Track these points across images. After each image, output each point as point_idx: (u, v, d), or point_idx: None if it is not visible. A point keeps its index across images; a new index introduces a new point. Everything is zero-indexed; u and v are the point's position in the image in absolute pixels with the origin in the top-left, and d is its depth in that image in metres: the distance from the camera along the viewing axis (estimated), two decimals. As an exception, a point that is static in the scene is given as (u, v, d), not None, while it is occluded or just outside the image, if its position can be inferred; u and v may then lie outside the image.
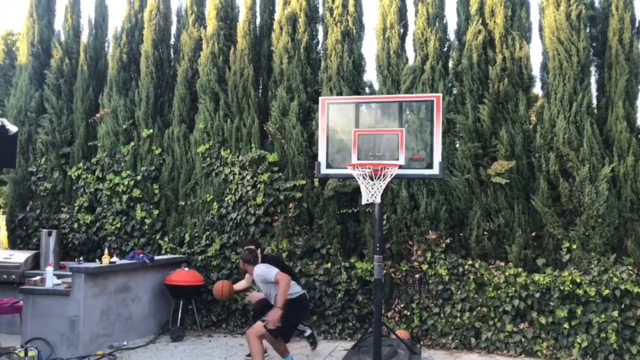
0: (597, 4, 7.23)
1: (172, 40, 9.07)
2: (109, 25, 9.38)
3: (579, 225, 6.50)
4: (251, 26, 8.28)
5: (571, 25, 6.88)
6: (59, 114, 9.03)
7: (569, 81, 6.78)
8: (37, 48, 9.46)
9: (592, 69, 7.10)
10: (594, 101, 7.00)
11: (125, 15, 9.09)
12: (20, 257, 7.73)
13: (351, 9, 7.84)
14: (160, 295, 7.56)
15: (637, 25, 6.99)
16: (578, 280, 6.36)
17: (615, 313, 6.24)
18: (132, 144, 8.49)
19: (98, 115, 8.78)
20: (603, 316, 6.29)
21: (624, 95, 6.69)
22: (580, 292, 6.35)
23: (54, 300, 6.35)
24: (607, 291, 6.27)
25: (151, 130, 8.42)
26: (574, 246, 6.50)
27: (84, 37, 9.29)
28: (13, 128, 6.47)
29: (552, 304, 6.48)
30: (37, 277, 6.61)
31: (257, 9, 8.47)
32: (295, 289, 5.85)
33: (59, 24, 9.62)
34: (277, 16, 8.24)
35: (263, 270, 5.73)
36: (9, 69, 13.94)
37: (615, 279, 6.27)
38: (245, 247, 6.45)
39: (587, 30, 7.07)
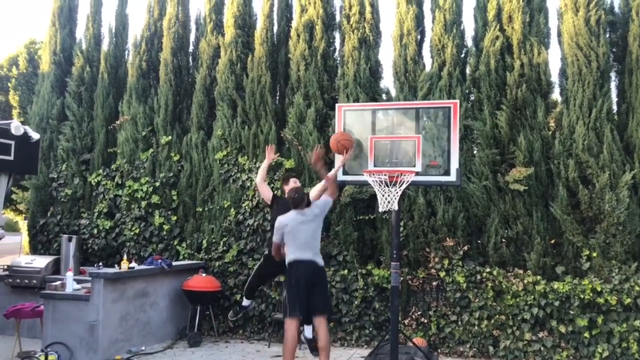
0: (617, 9, 7.16)
1: (191, 48, 9.18)
2: (129, 34, 9.53)
3: (599, 233, 6.41)
4: (268, 34, 8.35)
5: (590, 30, 6.81)
6: (80, 121, 9.17)
7: (588, 87, 6.71)
8: (59, 56, 9.63)
9: (612, 74, 7.02)
10: (614, 107, 6.91)
11: (145, 23, 9.22)
12: (41, 262, 7.85)
13: (368, 16, 7.86)
14: (177, 300, 7.61)
15: (658, 30, 6.90)
16: (598, 289, 6.26)
17: (637, 322, 6.13)
18: (151, 150, 8.58)
19: (118, 122, 8.90)
20: (624, 325, 6.18)
21: (645, 101, 6.59)
22: (600, 300, 6.26)
23: (73, 305, 6.44)
24: (628, 300, 6.16)
25: (170, 137, 8.51)
26: (594, 254, 6.41)
27: (105, 46, 9.44)
28: (35, 135, 6.60)
29: (572, 312, 6.39)
30: (58, 282, 6.70)
31: (275, 16, 8.54)
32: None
33: (80, 32, 9.81)
34: (294, 24, 8.30)
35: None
36: (32, 77, 14.18)
37: (637, 288, 6.16)
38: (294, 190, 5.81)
39: (607, 35, 6.99)
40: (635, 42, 6.75)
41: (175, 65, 8.80)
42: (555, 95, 7.39)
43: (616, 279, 6.27)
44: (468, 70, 7.46)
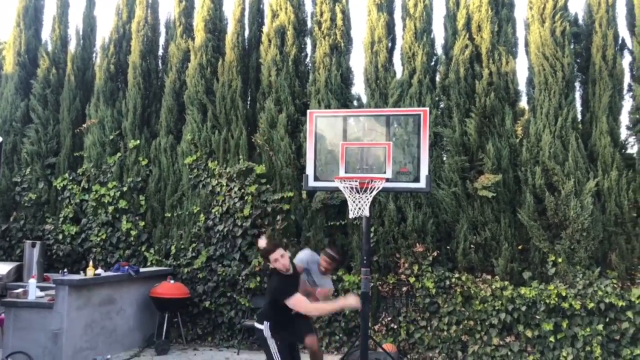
0: (580, 21, 7.35)
1: (160, 52, 9.08)
2: (97, 36, 9.39)
3: (564, 239, 6.55)
4: (239, 38, 8.31)
5: (556, 41, 6.98)
6: (45, 124, 8.97)
7: (554, 96, 6.86)
8: (24, 57, 9.41)
9: (577, 84, 7.20)
10: (579, 116, 7.09)
11: (113, 26, 9.07)
12: (2, 268, 7.62)
13: (339, 22, 7.89)
14: (145, 308, 7.48)
15: (620, 42, 7.11)
16: (563, 294, 6.39)
17: (600, 326, 6.27)
18: (119, 154, 8.43)
19: (85, 125, 8.73)
20: (588, 329, 6.32)
21: (607, 111, 6.78)
22: (565, 305, 6.39)
23: (36, 313, 6.25)
24: (592, 304, 6.31)
25: (138, 141, 8.38)
26: (560, 260, 6.54)
27: (72, 48, 9.26)
28: (-3, 138, 6.43)
29: (538, 317, 6.50)
30: (20, 290, 6.51)
31: (246, 21, 8.51)
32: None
33: (46, 33, 9.65)
34: (265, 29, 8.28)
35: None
36: (-5, 78, 13.82)
37: (600, 293, 6.31)
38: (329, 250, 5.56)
39: (572, 46, 7.18)
40: (598, 53, 6.94)
41: (144, 68, 8.68)
42: (523, 103, 7.55)
43: (580, 284, 6.41)
44: (438, 78, 7.56)
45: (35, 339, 6.20)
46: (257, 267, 7.40)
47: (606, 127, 6.71)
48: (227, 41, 8.31)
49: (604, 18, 7.01)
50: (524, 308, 6.52)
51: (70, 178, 8.64)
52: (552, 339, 6.42)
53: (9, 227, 8.76)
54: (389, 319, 7.06)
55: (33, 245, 7.79)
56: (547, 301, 6.42)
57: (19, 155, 9.00)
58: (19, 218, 8.77)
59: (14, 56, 9.46)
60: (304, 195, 7.45)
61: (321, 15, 7.98)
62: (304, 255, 5.57)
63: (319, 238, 7.31)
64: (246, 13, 8.52)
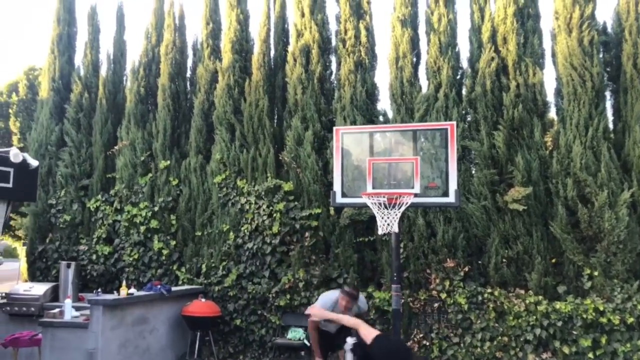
0: (609, 30, 7.25)
1: (189, 73, 9.26)
2: (127, 60, 9.63)
3: (599, 252, 6.39)
4: (265, 58, 8.42)
5: (584, 51, 6.89)
6: (78, 147, 9.20)
7: (584, 106, 6.75)
8: (58, 83, 9.70)
9: (607, 93, 7.08)
10: (610, 126, 6.95)
11: (143, 49, 9.30)
12: (39, 289, 7.79)
13: (363, 39, 7.94)
14: (177, 326, 7.54)
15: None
16: (601, 308, 6.22)
17: (641, 342, 6.08)
18: (150, 175, 8.59)
19: (116, 147, 8.93)
20: (628, 345, 6.12)
21: (640, 120, 6.63)
22: (603, 320, 6.21)
23: (72, 333, 6.36)
24: (631, 319, 6.12)
25: (168, 162, 8.53)
26: (596, 273, 6.38)
27: (103, 72, 9.52)
28: (34, 162, 6.62)
29: (575, 332, 6.34)
30: (56, 310, 6.64)
31: (271, 41, 8.63)
32: None
33: (79, 59, 9.91)
34: (290, 48, 8.38)
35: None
36: (32, 103, 14.27)
37: (639, 307, 6.12)
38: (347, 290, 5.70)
39: (600, 55, 7.07)
40: (629, 62, 6.81)
41: (173, 90, 8.87)
42: (552, 114, 7.44)
43: (618, 298, 6.23)
44: (464, 92, 7.52)
45: (71, 359, 6.30)
46: (286, 285, 7.40)
47: None
48: (254, 61, 8.44)
49: (633, 26, 6.90)
50: (559, 323, 6.37)
51: (103, 199, 8.83)
52: (590, 355, 6.24)
53: (45, 248, 8.98)
54: (421, 335, 6.97)
55: (68, 266, 7.97)
56: (584, 316, 6.26)
57: (54, 178, 9.24)
58: (55, 239, 8.99)
59: (48, 82, 9.77)
60: (332, 212, 7.45)
61: (345, 32, 8.05)
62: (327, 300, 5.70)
63: (347, 254, 7.29)
64: (271, 33, 8.65)
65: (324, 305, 5.54)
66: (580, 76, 6.84)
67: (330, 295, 5.81)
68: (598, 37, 6.98)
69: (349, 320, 4.02)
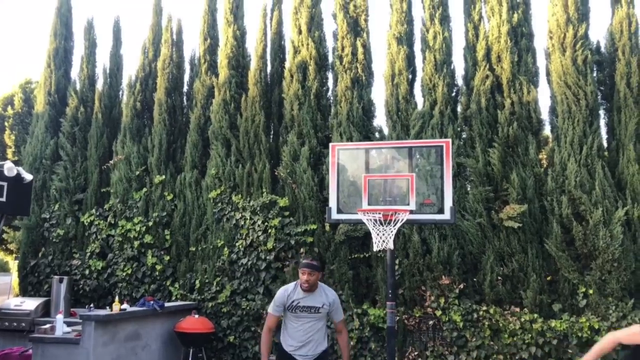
0: (603, 49, 7.33)
1: (185, 88, 9.29)
2: (123, 74, 9.65)
3: (594, 270, 6.39)
4: (262, 74, 8.46)
5: (578, 69, 6.96)
6: (73, 161, 9.17)
7: (578, 124, 6.80)
8: (54, 97, 9.70)
9: (601, 112, 7.14)
10: (605, 144, 7.00)
11: (139, 64, 9.33)
12: (30, 304, 7.71)
13: (360, 56, 7.99)
14: (170, 343, 7.47)
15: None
16: (596, 327, 6.21)
17: (637, 361, 6.05)
18: (145, 190, 8.56)
19: (111, 162, 8.91)
20: (624, 364, 6.10)
21: (634, 138, 6.68)
22: (599, 338, 6.18)
23: (63, 349, 6.28)
24: (626, 338, 6.09)
25: (163, 177, 8.51)
26: (591, 291, 6.38)
27: (99, 86, 9.53)
28: (28, 176, 6.60)
29: (570, 351, 6.31)
30: (47, 325, 6.56)
31: (268, 57, 8.68)
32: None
33: (75, 73, 9.92)
34: (287, 64, 8.43)
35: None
36: (27, 116, 14.28)
37: (634, 325, 6.10)
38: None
39: (594, 74, 7.14)
40: (622, 81, 6.88)
41: (169, 105, 8.88)
42: (546, 132, 7.48)
43: (613, 316, 6.22)
44: (459, 109, 7.57)
45: (61, 375, 6.22)
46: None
47: (634, 155, 6.61)
48: (250, 77, 8.48)
49: (626, 46, 6.98)
50: (555, 342, 6.35)
51: (97, 214, 8.78)
52: (586, 374, 6.21)
53: (37, 262, 8.90)
54: (416, 353, 6.92)
55: (60, 281, 7.90)
56: (579, 334, 6.24)
57: (48, 191, 9.19)
58: (47, 254, 8.91)
59: (44, 96, 9.77)
60: (327, 228, 7.44)
61: (342, 49, 8.10)
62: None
63: (342, 271, 7.27)
64: (268, 49, 8.70)
65: (280, 298, 4.79)
66: (574, 94, 6.90)
67: (285, 286, 4.97)
68: (592, 56, 7.06)
69: (597, 350, 3.73)
